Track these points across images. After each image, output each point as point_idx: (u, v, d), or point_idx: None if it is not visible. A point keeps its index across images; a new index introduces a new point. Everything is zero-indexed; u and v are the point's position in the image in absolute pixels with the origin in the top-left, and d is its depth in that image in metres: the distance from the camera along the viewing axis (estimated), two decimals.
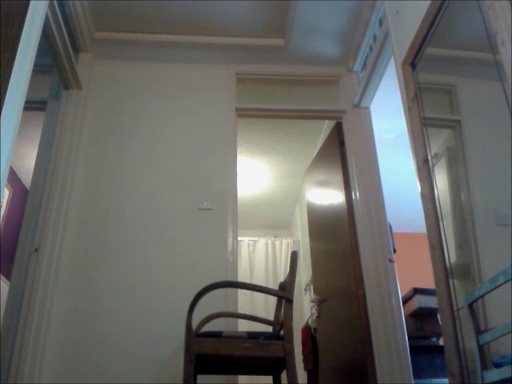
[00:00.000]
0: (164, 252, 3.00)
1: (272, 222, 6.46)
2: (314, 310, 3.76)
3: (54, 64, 3.11)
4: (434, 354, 3.16)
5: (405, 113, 2.45)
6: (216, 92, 3.58)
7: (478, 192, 1.99)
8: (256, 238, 6.27)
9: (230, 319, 2.83)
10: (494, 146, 1.92)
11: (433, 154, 2.23)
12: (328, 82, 3.77)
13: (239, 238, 4.31)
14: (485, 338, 1.58)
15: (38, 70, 2.31)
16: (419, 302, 3.37)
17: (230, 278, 2.93)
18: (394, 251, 3.25)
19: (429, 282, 2.33)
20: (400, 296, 2.99)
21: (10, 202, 5.12)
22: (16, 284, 2.76)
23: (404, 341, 2.83)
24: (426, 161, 2.22)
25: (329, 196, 3.67)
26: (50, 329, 2.73)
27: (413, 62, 2.40)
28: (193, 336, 2.16)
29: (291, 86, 3.79)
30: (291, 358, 2.15)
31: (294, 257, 2.41)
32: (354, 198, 3.27)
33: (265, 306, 5.70)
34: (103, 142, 3.32)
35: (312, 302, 3.77)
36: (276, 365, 2.36)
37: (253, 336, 2.20)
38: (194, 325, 2.21)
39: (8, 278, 4.05)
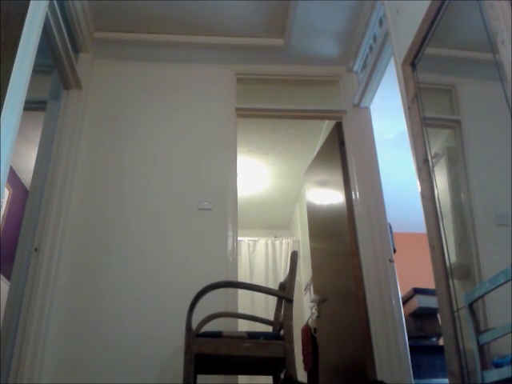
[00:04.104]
0: (164, 252, 3.00)
1: (272, 222, 6.46)
2: (314, 310, 3.76)
3: (54, 64, 3.11)
4: (434, 353, 3.16)
5: (405, 113, 2.45)
6: (216, 92, 3.58)
7: (478, 192, 1.99)
8: (256, 238, 6.26)
9: (229, 319, 2.82)
10: (494, 146, 1.92)
11: (433, 154, 2.23)
12: (328, 82, 3.77)
13: (239, 238, 4.30)
14: (485, 337, 1.58)
15: (38, 70, 2.31)
16: (419, 302, 3.37)
17: (230, 278, 2.93)
18: (394, 251, 3.25)
19: (429, 282, 2.33)
20: (400, 296, 2.99)
21: (10, 202, 5.12)
22: (16, 284, 2.76)
23: (404, 341, 2.83)
24: (426, 161, 2.22)
25: (329, 196, 3.67)
26: (49, 329, 2.73)
27: (413, 62, 2.40)
28: (193, 336, 2.16)
29: (291, 86, 3.79)
30: (291, 358, 2.15)
31: (294, 257, 2.41)
32: (353, 198, 3.27)
33: (265, 306, 5.70)
34: (103, 142, 3.32)
35: (312, 301, 3.76)
36: (276, 365, 2.36)
37: (253, 336, 2.20)
38: (194, 325, 2.21)
39: (8, 278, 4.05)
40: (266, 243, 6.23)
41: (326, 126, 4.38)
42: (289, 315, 2.25)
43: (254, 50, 3.58)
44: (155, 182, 3.22)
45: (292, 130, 4.58)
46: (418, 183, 2.27)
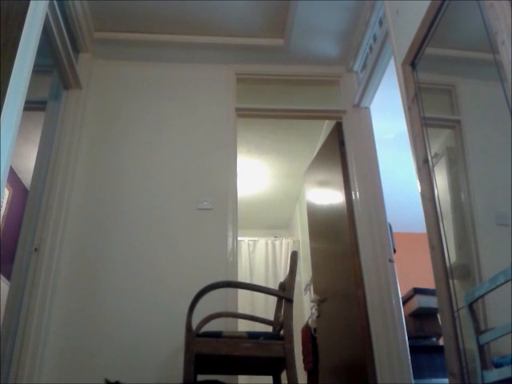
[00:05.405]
0: (164, 252, 3.00)
1: (272, 221, 6.46)
2: (314, 310, 3.76)
3: (54, 64, 3.11)
4: (434, 353, 3.16)
5: (405, 113, 2.45)
6: (216, 92, 3.58)
7: (478, 192, 1.99)
8: (256, 238, 6.26)
9: (229, 319, 2.83)
10: (494, 146, 1.92)
11: (433, 153, 2.23)
12: (328, 82, 3.77)
13: (239, 238, 4.30)
14: (485, 337, 1.58)
15: (38, 70, 2.31)
16: (419, 301, 3.38)
17: (230, 278, 2.93)
18: (394, 251, 3.25)
19: (429, 282, 2.33)
20: (400, 296, 2.99)
21: (10, 202, 5.12)
22: (16, 284, 2.76)
23: (404, 341, 2.83)
24: (426, 161, 2.22)
25: (329, 196, 3.67)
26: (49, 329, 2.73)
27: (413, 62, 2.40)
28: (193, 336, 2.16)
29: (291, 86, 3.79)
30: (291, 358, 2.15)
31: (294, 257, 2.41)
32: (353, 198, 3.27)
33: (265, 306, 5.70)
34: (103, 142, 3.32)
35: (312, 301, 3.77)
36: (276, 365, 2.36)
37: (253, 336, 2.20)
38: (194, 325, 2.21)
39: (8, 278, 4.05)
40: (266, 243, 6.23)
41: (326, 126, 4.38)
42: (289, 315, 2.25)
43: (254, 50, 3.58)
44: (155, 182, 3.22)
45: (292, 130, 4.58)
46: (418, 183, 2.27)
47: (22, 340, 2.61)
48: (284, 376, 2.25)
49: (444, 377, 3.01)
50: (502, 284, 1.49)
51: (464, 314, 1.75)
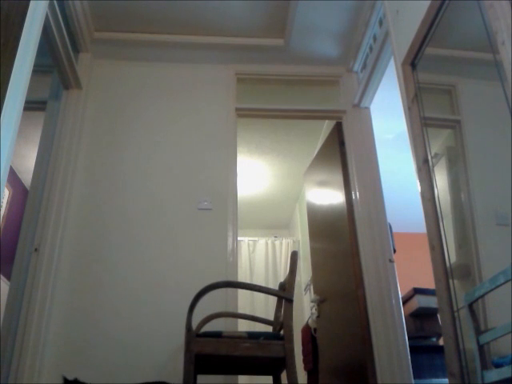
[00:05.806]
0: (164, 252, 3.00)
1: (272, 221, 6.46)
2: (314, 310, 3.76)
3: (54, 64, 3.11)
4: (434, 353, 3.17)
5: (405, 113, 2.45)
6: (216, 92, 3.58)
7: (478, 192, 1.99)
8: (256, 238, 6.27)
9: (229, 319, 2.83)
10: (494, 146, 1.92)
11: (433, 154, 2.23)
12: (328, 82, 3.77)
13: (239, 238, 4.30)
14: (485, 337, 1.58)
15: (38, 70, 2.31)
16: (419, 301, 3.38)
17: (230, 278, 2.93)
18: (394, 251, 3.25)
19: (429, 282, 2.33)
20: (400, 296, 2.99)
21: (10, 202, 5.12)
22: (16, 284, 2.76)
23: (404, 341, 2.83)
24: (426, 161, 2.22)
25: (329, 196, 3.67)
26: (49, 329, 2.73)
27: (413, 61, 2.40)
28: (193, 336, 2.16)
29: (291, 85, 3.79)
30: (291, 358, 2.15)
31: (294, 257, 2.41)
32: (353, 198, 3.27)
33: (265, 306, 5.70)
34: (103, 142, 3.32)
35: (312, 301, 3.77)
36: (276, 365, 2.36)
37: (253, 336, 2.20)
38: (194, 325, 2.21)
39: (8, 278, 4.05)
40: (266, 243, 6.24)
41: (326, 126, 4.38)
42: (289, 315, 2.25)
43: (254, 50, 3.58)
44: (155, 182, 3.22)
45: (292, 130, 4.59)
46: (418, 183, 2.27)
47: (21, 340, 2.61)
48: (284, 376, 2.25)
49: (444, 377, 3.01)
50: (502, 284, 1.49)
51: (464, 314, 1.75)
